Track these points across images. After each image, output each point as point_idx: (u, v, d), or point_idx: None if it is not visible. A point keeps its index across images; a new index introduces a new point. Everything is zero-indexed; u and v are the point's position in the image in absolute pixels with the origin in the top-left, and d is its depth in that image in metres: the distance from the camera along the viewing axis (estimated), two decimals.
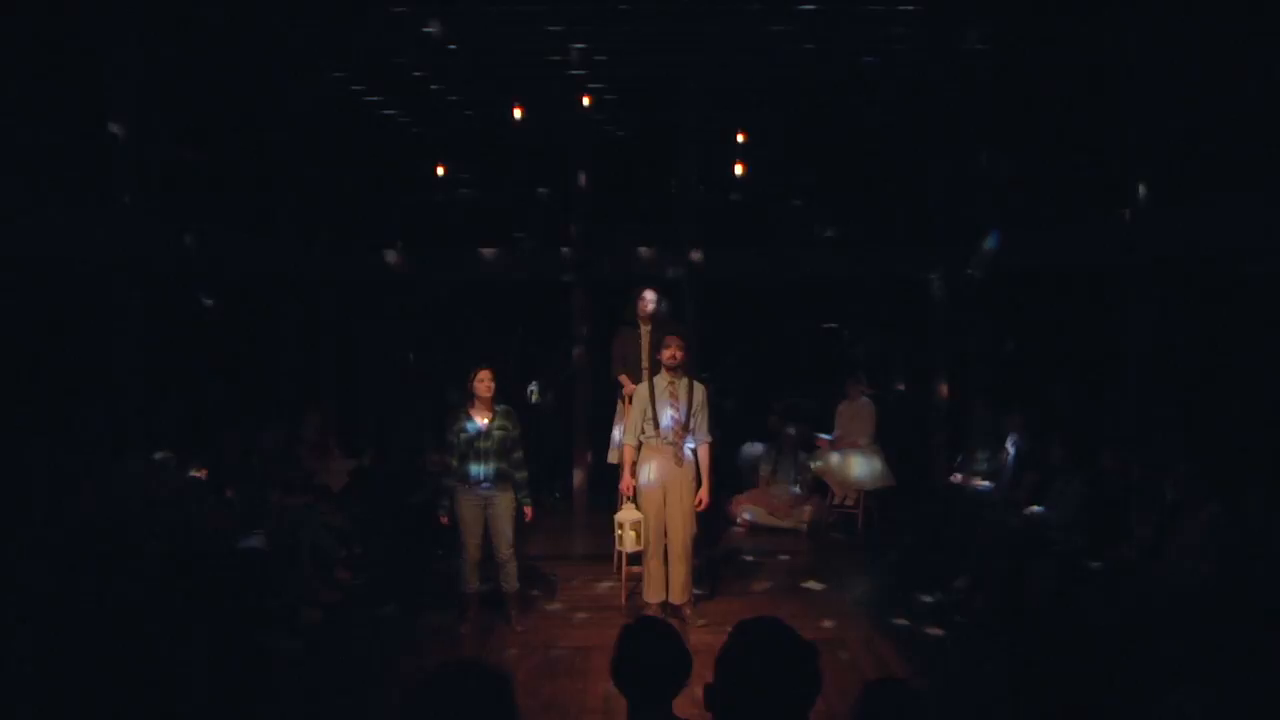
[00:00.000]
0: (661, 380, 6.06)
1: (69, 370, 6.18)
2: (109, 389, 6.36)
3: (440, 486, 5.99)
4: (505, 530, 5.88)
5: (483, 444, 5.81)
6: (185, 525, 5.76)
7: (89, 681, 4.18)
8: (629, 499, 6.11)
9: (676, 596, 6.03)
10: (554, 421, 9.51)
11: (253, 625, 5.39)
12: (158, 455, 6.05)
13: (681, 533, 5.98)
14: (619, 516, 6.12)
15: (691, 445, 6.04)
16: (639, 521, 6.03)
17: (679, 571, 6.01)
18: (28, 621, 4.32)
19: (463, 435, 5.82)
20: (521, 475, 5.95)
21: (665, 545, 6.06)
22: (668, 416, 5.97)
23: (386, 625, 6.10)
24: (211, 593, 5.14)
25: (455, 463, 5.84)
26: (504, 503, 5.88)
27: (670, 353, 5.97)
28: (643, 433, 6.05)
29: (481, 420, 5.85)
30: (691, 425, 6.01)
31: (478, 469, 5.80)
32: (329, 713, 4.89)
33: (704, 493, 6.04)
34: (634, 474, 6.08)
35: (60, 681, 4.13)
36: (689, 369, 6.20)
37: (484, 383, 5.82)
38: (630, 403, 6.60)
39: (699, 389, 6.08)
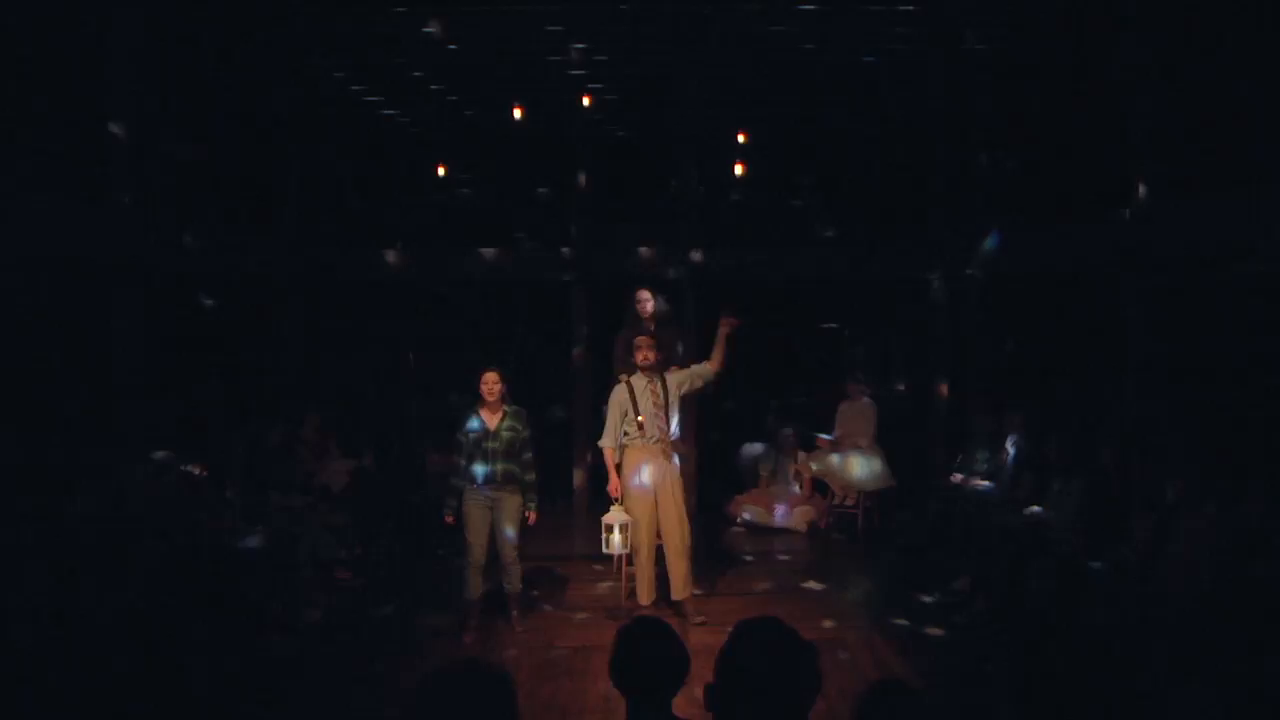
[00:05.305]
0: (640, 381, 6.07)
1: (69, 370, 6.18)
2: (109, 389, 6.36)
3: (448, 486, 6.00)
4: (510, 532, 5.88)
5: (490, 444, 5.81)
6: (185, 525, 5.76)
7: (89, 682, 4.18)
8: (616, 501, 6.09)
9: (678, 593, 6.03)
10: None
11: (253, 625, 5.38)
12: (158, 455, 6.04)
13: (677, 529, 5.99)
14: (606, 519, 6.08)
15: (676, 434, 6.07)
16: (627, 524, 6.02)
17: (679, 568, 6.01)
18: (28, 622, 4.32)
19: (470, 435, 5.84)
20: (530, 477, 5.95)
21: (660, 546, 6.07)
22: (650, 416, 5.99)
23: (386, 626, 6.10)
24: (211, 593, 5.14)
25: (463, 462, 5.85)
26: (511, 504, 5.88)
27: (643, 354, 6.00)
28: (625, 435, 6.06)
29: (489, 420, 5.86)
30: (672, 421, 6.04)
31: (484, 469, 5.80)
32: (329, 713, 4.88)
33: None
34: (619, 476, 6.09)
35: (60, 682, 4.13)
36: (663, 368, 6.23)
37: (487, 385, 5.85)
38: None
39: (671, 378, 6.13)
